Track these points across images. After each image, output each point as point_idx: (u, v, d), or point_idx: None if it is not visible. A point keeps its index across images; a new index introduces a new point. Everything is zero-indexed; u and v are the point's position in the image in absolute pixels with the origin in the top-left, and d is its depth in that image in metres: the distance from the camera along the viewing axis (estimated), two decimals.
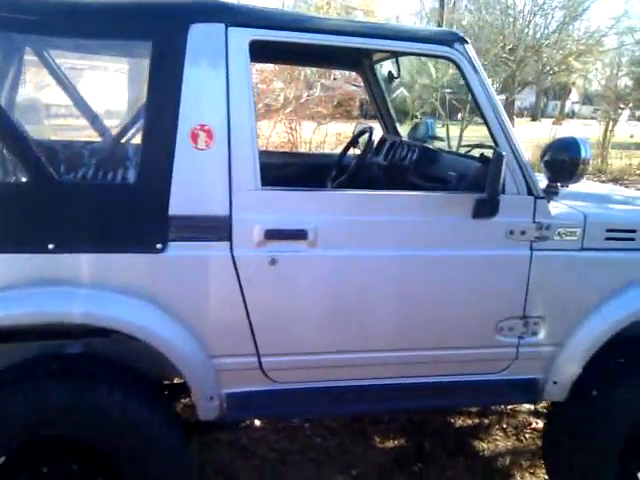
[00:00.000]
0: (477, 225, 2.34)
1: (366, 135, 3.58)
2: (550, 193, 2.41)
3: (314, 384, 2.35)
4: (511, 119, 11.83)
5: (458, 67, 2.34)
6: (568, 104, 45.95)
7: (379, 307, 2.32)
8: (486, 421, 3.64)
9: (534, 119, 37.24)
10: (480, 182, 2.31)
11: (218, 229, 2.11)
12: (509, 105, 11.46)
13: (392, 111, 3.76)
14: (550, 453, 2.71)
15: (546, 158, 2.37)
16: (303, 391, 2.35)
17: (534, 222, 2.39)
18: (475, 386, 2.51)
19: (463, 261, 2.36)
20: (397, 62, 3.42)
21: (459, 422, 3.63)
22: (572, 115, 42.04)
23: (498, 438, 3.47)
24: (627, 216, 2.62)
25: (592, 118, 24.49)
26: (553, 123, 21.12)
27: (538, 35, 23.26)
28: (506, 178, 2.36)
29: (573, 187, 2.49)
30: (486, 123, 2.36)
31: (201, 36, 2.07)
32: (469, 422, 3.64)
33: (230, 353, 2.23)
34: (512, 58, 19.97)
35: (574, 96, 46.80)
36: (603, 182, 13.29)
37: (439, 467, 3.16)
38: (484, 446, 3.40)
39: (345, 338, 2.32)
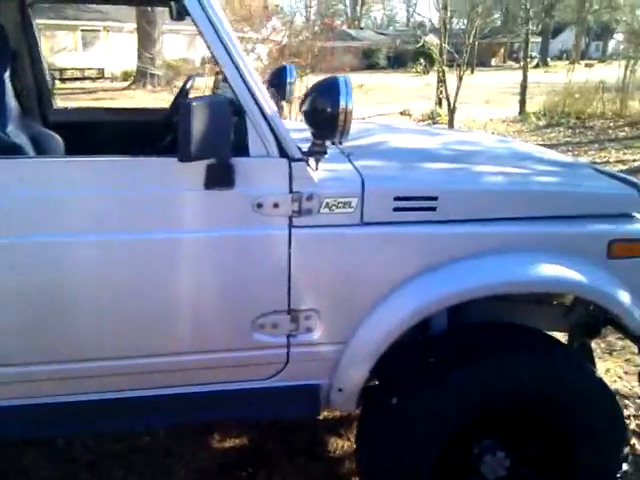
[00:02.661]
0: (214, 198, 1.83)
1: None
2: (315, 154, 1.87)
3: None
4: (545, 63, 10.83)
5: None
6: (612, 44, 43.34)
7: (83, 308, 1.84)
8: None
9: (572, 62, 35.14)
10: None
11: None
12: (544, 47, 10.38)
13: None
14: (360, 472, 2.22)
15: (304, 107, 1.81)
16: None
17: (291, 192, 1.86)
18: (242, 396, 2.03)
19: (198, 245, 1.86)
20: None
21: (324, 414, 3.15)
22: (617, 57, 39.58)
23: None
24: (424, 180, 2.05)
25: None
26: (586, 65, 19.79)
27: None
28: (249, 136, 1.83)
29: (366, 144, 1.95)
30: (221, 69, 1.82)
31: None
32: (334, 415, 3.16)
33: None
34: None
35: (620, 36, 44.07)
36: (619, 127, 12.30)
37: (269, 471, 2.72)
38: (338, 445, 2.93)
39: (43, 345, 1.85)
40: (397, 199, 1.93)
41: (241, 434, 2.98)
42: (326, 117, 1.77)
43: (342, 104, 1.75)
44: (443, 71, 10.47)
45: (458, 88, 10.40)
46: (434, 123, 12.10)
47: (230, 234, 1.86)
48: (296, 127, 2.33)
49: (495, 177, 2.10)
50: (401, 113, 14.17)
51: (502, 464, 2.12)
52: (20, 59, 2.92)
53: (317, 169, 1.90)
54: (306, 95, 1.82)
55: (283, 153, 1.84)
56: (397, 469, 2.03)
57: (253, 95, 1.81)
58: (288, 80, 3.07)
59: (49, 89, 3.06)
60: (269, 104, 1.84)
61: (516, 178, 2.13)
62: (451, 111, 10.50)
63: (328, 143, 1.85)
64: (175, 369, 1.95)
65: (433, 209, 1.96)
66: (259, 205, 1.85)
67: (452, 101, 10.42)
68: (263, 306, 1.94)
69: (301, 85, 9.86)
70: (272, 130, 1.83)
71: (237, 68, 1.79)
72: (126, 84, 21.12)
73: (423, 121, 12.94)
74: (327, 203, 1.89)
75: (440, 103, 10.64)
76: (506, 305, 2.23)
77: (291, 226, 1.88)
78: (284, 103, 3.20)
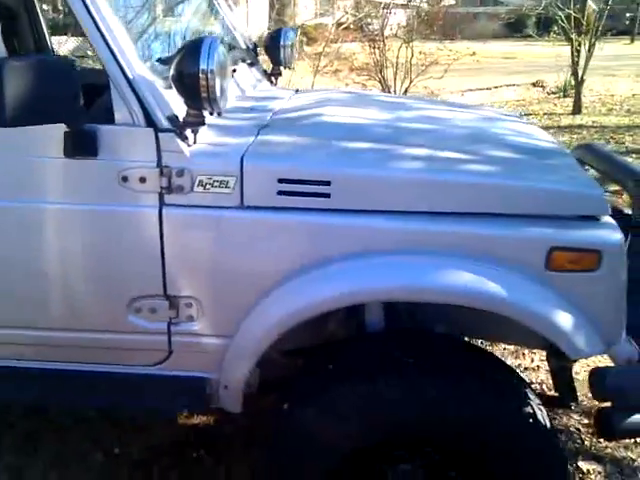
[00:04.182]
0: (78, 168, 1.69)
1: None
2: (189, 125, 1.66)
3: None
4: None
5: None
6: None
7: None
8: None
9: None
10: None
11: None
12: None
13: None
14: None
15: (171, 72, 1.61)
16: None
17: (158, 166, 1.67)
18: (125, 381, 1.91)
19: (65, 216, 1.75)
20: None
21: None
22: None
23: None
24: (316, 161, 1.75)
25: None
26: None
27: None
28: (114, 103, 1.66)
29: (297, 117, 1.72)
30: (85, 33, 1.66)
31: None
32: None
33: None
34: None
35: None
36: None
37: (217, 456, 2.59)
38: None
39: None
40: (281, 181, 1.68)
41: (206, 414, 2.88)
42: (187, 83, 1.56)
43: (202, 67, 1.53)
44: (571, 39, 9.36)
45: (587, 58, 9.33)
46: (565, 96, 11.05)
47: (96, 208, 1.72)
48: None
49: (414, 162, 1.75)
50: (534, 84, 13.11)
51: None
52: (19, 19, 2.94)
53: (195, 142, 1.69)
54: (172, 58, 1.61)
55: (150, 122, 1.65)
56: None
57: (115, 57, 1.63)
58: (282, 43, 2.84)
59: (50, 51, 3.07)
60: (135, 67, 1.65)
61: (442, 165, 1.77)
62: (578, 83, 9.49)
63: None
64: (48, 344, 1.86)
65: (326, 195, 1.68)
66: (124, 178, 1.68)
67: (580, 72, 9.40)
68: (137, 288, 1.78)
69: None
70: (138, 97, 1.64)
71: (97, 26, 1.62)
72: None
73: (555, 93, 11.88)
74: (201, 181, 1.68)
75: (576, 74, 9.65)
76: (473, 312, 1.90)
77: (162, 204, 1.70)
78: (283, 69, 2.98)
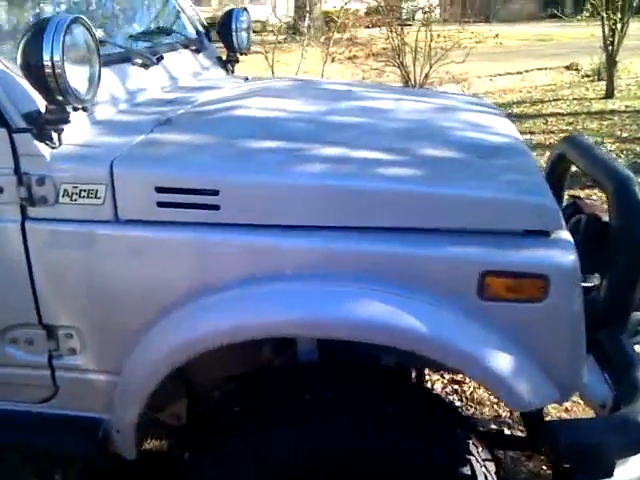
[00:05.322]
0: None
1: None
2: (49, 123, 1.40)
3: None
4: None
5: None
6: None
7: None
8: None
9: None
10: None
11: None
12: None
13: None
14: None
15: (18, 60, 1.34)
16: None
17: (16, 173, 1.41)
18: (12, 418, 1.66)
19: None
20: None
21: None
22: None
23: None
24: (202, 166, 1.45)
25: None
26: None
27: None
28: None
29: (214, 110, 1.53)
30: None
31: None
32: None
33: None
34: None
35: None
36: None
37: None
38: None
39: None
40: (160, 190, 1.40)
41: None
42: (34, 73, 1.29)
43: (45, 54, 1.26)
44: (602, 17, 8.72)
45: (620, 38, 8.70)
46: (599, 79, 10.42)
47: None
48: None
49: (322, 165, 1.45)
50: (567, 67, 12.48)
51: None
52: None
53: (60, 143, 1.42)
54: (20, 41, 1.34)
55: (3, 121, 1.39)
56: None
57: None
58: (234, 26, 2.56)
59: None
60: None
61: (355, 168, 1.45)
62: (610, 65, 8.88)
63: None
64: None
65: (215, 207, 1.39)
66: None
67: (613, 54, 8.80)
68: (8, 316, 1.54)
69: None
70: None
71: None
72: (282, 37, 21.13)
73: (589, 76, 11.25)
74: (66, 190, 1.42)
75: (608, 55, 9.06)
76: None
77: (25, 217, 1.44)
78: (239, 55, 2.70)
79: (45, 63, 1.26)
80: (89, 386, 1.58)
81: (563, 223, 1.41)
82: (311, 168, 1.42)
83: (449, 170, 1.47)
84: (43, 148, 1.40)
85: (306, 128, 1.69)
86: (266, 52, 7.35)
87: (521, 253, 1.33)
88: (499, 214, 1.35)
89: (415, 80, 8.97)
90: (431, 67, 8.78)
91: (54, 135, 1.41)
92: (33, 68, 1.28)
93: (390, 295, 1.33)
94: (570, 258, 1.33)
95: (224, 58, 2.67)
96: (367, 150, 1.52)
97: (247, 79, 2.44)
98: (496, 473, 1.45)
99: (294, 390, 1.46)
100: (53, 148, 1.42)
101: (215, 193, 1.38)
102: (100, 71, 1.43)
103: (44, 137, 1.40)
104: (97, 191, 1.40)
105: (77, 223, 1.43)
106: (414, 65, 8.85)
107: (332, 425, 1.37)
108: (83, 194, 1.41)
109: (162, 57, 2.08)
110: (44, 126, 1.39)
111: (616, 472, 1.37)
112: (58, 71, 1.27)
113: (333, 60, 8.20)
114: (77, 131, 1.49)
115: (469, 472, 1.37)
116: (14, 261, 1.46)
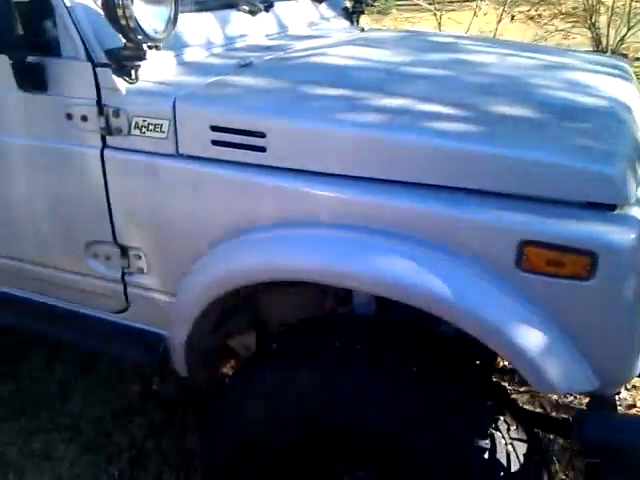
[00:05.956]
0: (31, 102, 1.65)
1: None
2: (125, 59, 1.51)
3: None
4: None
5: None
6: None
7: None
8: None
9: None
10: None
11: None
12: None
13: None
14: None
15: None
16: None
17: (98, 104, 1.55)
18: (90, 322, 1.88)
19: (19, 151, 1.72)
20: None
21: None
22: None
23: None
24: (250, 107, 1.46)
25: None
26: None
27: None
28: (59, 33, 1.57)
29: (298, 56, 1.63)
30: None
31: None
32: None
33: None
34: None
35: None
36: None
37: None
38: None
39: None
40: (215, 129, 1.45)
41: None
42: (109, 12, 1.40)
43: None
44: None
45: None
46: None
47: (46, 144, 1.66)
48: None
49: (374, 115, 1.39)
50: None
51: None
52: None
53: (136, 79, 1.53)
54: None
55: (88, 56, 1.53)
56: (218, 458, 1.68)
57: None
58: None
59: None
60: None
61: (406, 120, 1.38)
62: None
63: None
64: (22, 275, 1.89)
65: (262, 149, 1.42)
66: (69, 116, 1.59)
67: None
68: (89, 232, 1.72)
69: None
70: (76, 27, 1.52)
71: None
72: None
73: None
74: (137, 123, 1.53)
75: None
76: None
77: (105, 145, 1.59)
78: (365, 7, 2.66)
79: (117, 2, 1.35)
80: (153, 304, 1.73)
81: (635, 198, 1.25)
82: (360, 117, 1.39)
83: (513, 129, 1.35)
84: (120, 82, 1.52)
85: (377, 78, 1.64)
86: (436, 10, 7.07)
87: (568, 225, 1.20)
88: (557, 181, 1.22)
89: (607, 45, 8.16)
90: (629, 30, 7.91)
91: (131, 71, 1.52)
92: (109, 7, 1.38)
93: (419, 254, 1.28)
94: (629, 237, 1.18)
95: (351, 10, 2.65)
96: (430, 103, 1.44)
97: (363, 30, 2.41)
98: (526, 455, 1.36)
99: (327, 337, 1.48)
100: (129, 83, 1.53)
101: (262, 135, 1.41)
102: (177, 13, 1.50)
103: (122, 72, 1.51)
104: (162, 125, 1.50)
105: (145, 154, 1.54)
106: (608, 27, 8.03)
107: (350, 374, 1.37)
108: (151, 127, 1.51)
109: (272, 5, 2.12)
110: (122, 62, 1.50)
111: None
112: (128, 11, 1.36)
113: (513, 18, 7.70)
114: (156, 69, 1.59)
115: (487, 446, 1.30)
116: (94, 183, 1.62)
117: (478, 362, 1.71)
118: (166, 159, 1.52)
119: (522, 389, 2.56)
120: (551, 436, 2.33)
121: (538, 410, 2.28)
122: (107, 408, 2.56)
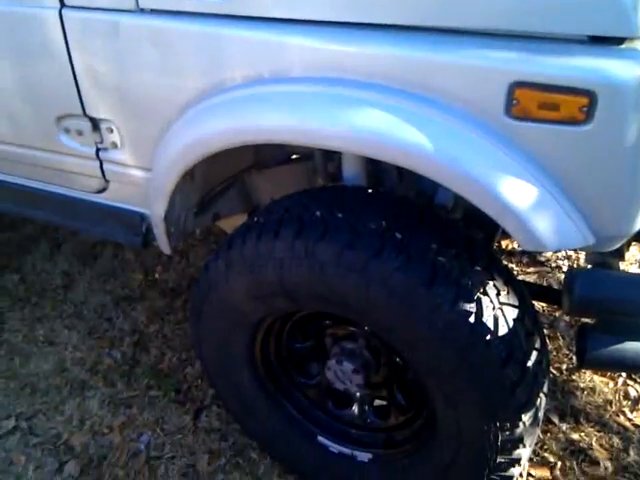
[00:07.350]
0: None
1: None
2: None
3: None
4: None
5: None
6: None
7: None
8: None
9: None
10: None
11: None
12: None
13: None
14: None
15: None
16: None
17: None
18: (71, 203, 1.82)
19: None
20: None
21: None
22: None
23: None
24: None
25: None
26: None
27: None
28: None
29: None
30: None
31: None
32: None
33: None
34: None
35: None
36: None
37: None
38: None
39: None
40: None
41: None
42: None
43: None
44: None
45: None
46: None
47: (3, 9, 1.53)
48: None
49: None
50: None
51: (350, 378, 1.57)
52: None
53: None
54: None
55: None
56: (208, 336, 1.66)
57: None
58: None
59: None
60: None
61: None
62: None
63: None
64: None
65: None
66: None
67: None
68: (57, 105, 1.61)
69: None
70: None
71: None
72: None
73: None
74: None
75: None
76: None
77: (62, 5, 1.45)
78: None
79: None
80: (131, 181, 1.65)
81: None
82: None
83: None
84: None
85: None
86: None
87: (563, 61, 1.05)
88: (554, 12, 1.06)
89: None
90: None
91: None
92: None
93: (394, 103, 1.15)
94: (633, 73, 1.03)
95: None
96: None
97: None
98: (516, 320, 1.28)
99: (309, 207, 1.39)
100: None
101: None
102: None
103: None
104: None
105: (105, 12, 1.40)
106: None
107: (329, 242, 1.29)
108: None
109: None
110: None
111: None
112: None
113: None
114: None
115: (472, 310, 1.22)
116: (57, 49, 1.50)
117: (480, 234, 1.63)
118: (126, 15, 1.38)
119: (529, 269, 2.48)
120: (557, 314, 2.28)
121: None
122: (109, 296, 2.56)
